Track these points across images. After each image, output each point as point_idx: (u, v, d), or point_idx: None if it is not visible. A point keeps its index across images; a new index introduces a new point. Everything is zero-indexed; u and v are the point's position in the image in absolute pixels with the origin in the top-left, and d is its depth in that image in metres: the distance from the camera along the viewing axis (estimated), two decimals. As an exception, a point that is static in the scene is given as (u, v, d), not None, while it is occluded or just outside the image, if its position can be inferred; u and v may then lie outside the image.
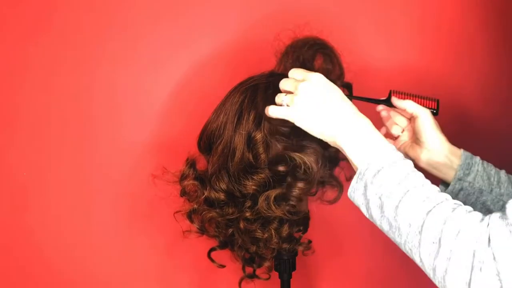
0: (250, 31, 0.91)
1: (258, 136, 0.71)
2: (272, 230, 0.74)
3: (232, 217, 0.75)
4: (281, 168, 0.71)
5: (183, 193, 0.80)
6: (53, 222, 0.91)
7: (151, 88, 0.91)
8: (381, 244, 0.99)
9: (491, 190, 0.71)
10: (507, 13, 0.95)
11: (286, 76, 0.76)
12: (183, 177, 0.79)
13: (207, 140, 0.77)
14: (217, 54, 0.91)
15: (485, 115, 1.00)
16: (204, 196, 0.75)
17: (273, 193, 0.72)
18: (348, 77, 0.83)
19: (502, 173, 0.73)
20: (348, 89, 0.84)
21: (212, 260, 0.83)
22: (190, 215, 0.80)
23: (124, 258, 0.94)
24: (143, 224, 0.93)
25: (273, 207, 0.72)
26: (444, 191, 0.72)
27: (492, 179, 0.71)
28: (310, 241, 0.85)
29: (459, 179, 0.72)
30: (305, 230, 0.83)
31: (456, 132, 0.86)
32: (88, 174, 0.91)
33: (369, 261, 1.00)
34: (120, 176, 0.92)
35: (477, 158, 0.73)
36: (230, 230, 0.77)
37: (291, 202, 0.74)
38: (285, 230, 0.76)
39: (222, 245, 0.82)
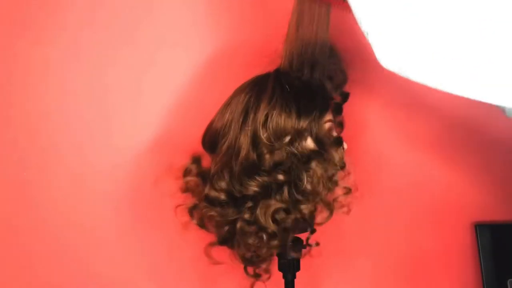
0: (255, 29, 0.91)
1: (264, 135, 0.71)
2: (265, 237, 0.74)
3: (231, 218, 0.75)
4: (280, 177, 0.71)
5: (186, 189, 0.80)
6: (54, 221, 0.91)
7: (155, 87, 0.91)
8: (387, 245, 1.00)
9: None
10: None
11: (290, 75, 0.76)
12: (186, 173, 0.79)
13: (212, 139, 0.77)
14: (221, 53, 0.91)
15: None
16: (204, 193, 0.75)
17: (274, 206, 0.72)
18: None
19: None
20: (343, 98, 0.84)
21: (209, 256, 0.83)
22: (191, 211, 0.80)
23: (125, 257, 0.93)
24: (145, 223, 0.93)
25: (269, 220, 0.72)
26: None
27: None
28: (317, 243, 0.85)
29: None
30: (312, 230, 0.82)
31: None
32: (90, 174, 0.91)
33: (374, 262, 1.00)
34: (123, 175, 0.91)
35: None
36: (227, 228, 0.77)
37: (288, 221, 0.73)
38: (275, 242, 0.75)
39: (221, 242, 0.82)
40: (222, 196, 0.74)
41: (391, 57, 0.56)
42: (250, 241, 0.74)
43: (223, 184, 0.73)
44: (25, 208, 0.89)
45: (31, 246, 0.90)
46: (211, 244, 0.83)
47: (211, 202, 0.75)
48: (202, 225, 0.80)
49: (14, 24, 0.87)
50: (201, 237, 0.86)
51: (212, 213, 0.75)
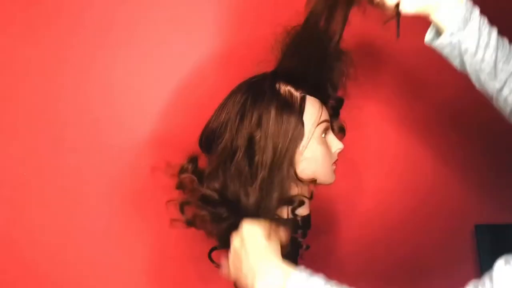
0: (252, 30, 0.91)
1: (258, 136, 0.71)
2: None
3: (224, 216, 0.74)
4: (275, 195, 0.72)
5: (180, 186, 0.80)
6: (53, 220, 0.91)
7: (153, 87, 0.92)
8: (386, 245, 1.00)
9: (476, 53, 0.68)
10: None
11: (288, 75, 0.76)
12: (181, 171, 0.79)
13: (208, 139, 0.77)
14: (219, 53, 0.91)
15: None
16: (200, 193, 0.76)
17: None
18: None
19: (493, 36, 0.69)
20: (338, 103, 0.83)
21: (212, 261, 0.83)
22: (182, 206, 0.80)
23: (123, 256, 0.94)
24: (144, 223, 0.93)
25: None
26: (431, 40, 0.71)
27: (481, 41, 0.68)
28: (308, 247, 0.84)
29: (452, 34, 0.68)
30: (304, 234, 0.82)
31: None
32: (88, 173, 0.91)
33: (373, 263, 1.00)
34: (121, 175, 0.91)
35: (476, 13, 0.69)
36: (225, 225, 0.76)
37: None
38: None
39: (223, 245, 0.82)
40: (216, 196, 0.74)
41: None
42: None
43: (216, 185, 0.74)
44: (25, 208, 0.90)
45: (30, 245, 0.91)
46: (213, 249, 0.83)
47: (205, 200, 0.75)
48: (191, 222, 0.80)
49: (14, 24, 0.88)
50: (199, 239, 0.86)
51: (204, 213, 0.75)
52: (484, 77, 0.69)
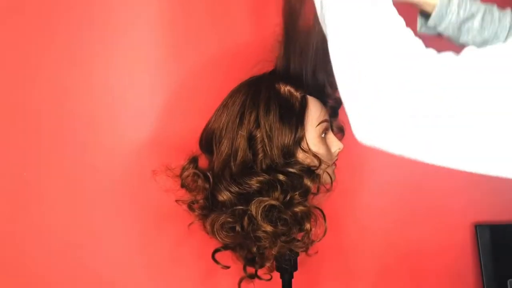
0: (253, 30, 0.91)
1: (258, 135, 0.71)
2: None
3: (242, 209, 0.74)
4: (281, 177, 0.72)
5: (183, 185, 0.80)
6: (54, 221, 0.91)
7: (153, 87, 0.91)
8: (386, 245, 1.00)
9: (458, 39, 0.71)
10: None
11: (287, 75, 0.76)
12: (183, 170, 0.79)
13: (209, 140, 0.77)
14: (219, 53, 0.91)
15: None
16: (210, 195, 0.75)
17: (264, 202, 0.71)
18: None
19: (478, 18, 0.69)
20: (338, 104, 0.83)
21: (217, 262, 0.83)
22: (190, 206, 0.81)
23: (125, 257, 0.94)
24: (145, 223, 0.93)
25: (259, 217, 0.71)
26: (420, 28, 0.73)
27: (463, 27, 0.70)
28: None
29: (433, 27, 0.71)
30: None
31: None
32: (89, 174, 0.91)
33: (373, 262, 1.00)
34: (122, 176, 0.91)
35: (454, 5, 0.69)
36: (238, 228, 0.76)
37: (284, 216, 0.73)
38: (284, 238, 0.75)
39: (226, 246, 0.82)
40: (228, 196, 0.74)
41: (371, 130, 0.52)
42: (259, 233, 0.73)
43: (226, 185, 0.74)
44: (25, 208, 0.90)
45: (30, 246, 0.90)
46: (217, 250, 0.83)
47: (223, 205, 0.75)
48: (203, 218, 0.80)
49: (12, 23, 0.87)
50: (200, 240, 0.86)
51: (228, 219, 0.74)
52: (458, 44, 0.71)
